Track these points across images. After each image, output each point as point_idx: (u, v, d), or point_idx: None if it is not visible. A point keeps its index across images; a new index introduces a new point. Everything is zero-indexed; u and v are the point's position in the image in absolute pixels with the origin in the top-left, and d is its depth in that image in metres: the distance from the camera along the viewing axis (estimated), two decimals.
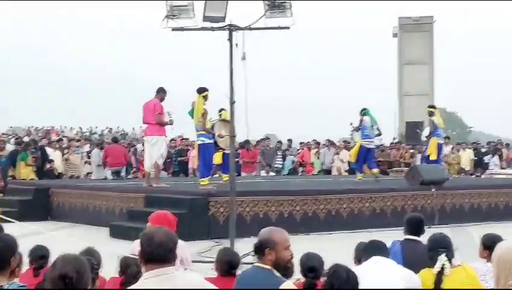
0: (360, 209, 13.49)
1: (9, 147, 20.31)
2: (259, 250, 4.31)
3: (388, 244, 5.42)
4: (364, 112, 16.54)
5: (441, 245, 5.07)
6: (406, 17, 43.97)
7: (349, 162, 23.21)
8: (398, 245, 5.96)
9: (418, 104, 34.79)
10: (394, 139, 31.25)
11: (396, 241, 6.07)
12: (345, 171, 22.41)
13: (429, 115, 17.31)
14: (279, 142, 26.01)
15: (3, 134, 34.31)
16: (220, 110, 14.74)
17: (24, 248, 5.44)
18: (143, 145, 20.93)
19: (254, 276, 4.28)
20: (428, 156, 16.92)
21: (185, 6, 11.81)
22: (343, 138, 26.15)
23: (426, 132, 17.43)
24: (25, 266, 5.33)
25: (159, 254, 3.44)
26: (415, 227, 6.10)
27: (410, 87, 42.19)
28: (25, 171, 18.68)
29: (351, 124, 16.88)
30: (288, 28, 11.34)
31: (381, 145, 25.62)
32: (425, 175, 14.42)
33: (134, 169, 20.76)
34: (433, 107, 17.72)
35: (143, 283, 3.44)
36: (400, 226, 6.52)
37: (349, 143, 25.35)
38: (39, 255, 5.58)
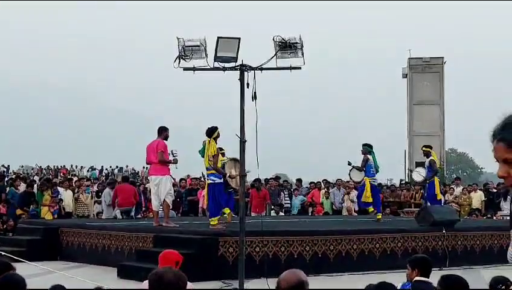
0: (371, 250, 13.38)
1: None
2: None
3: (398, 287, 5.37)
4: (369, 150, 16.64)
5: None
6: (415, 58, 44.23)
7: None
8: (409, 287, 5.90)
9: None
10: (402, 181, 31.14)
11: (406, 283, 6.01)
12: (355, 211, 22.28)
13: (425, 156, 17.26)
14: (286, 181, 25.94)
15: (14, 173, 34.52)
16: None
17: (34, 287, 5.43)
18: None
19: None
20: (436, 195, 16.88)
21: (197, 46, 11.93)
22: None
23: (422, 172, 17.32)
24: None
25: None
26: (425, 268, 6.04)
27: (420, 127, 42.20)
28: (43, 211, 18.87)
29: (350, 163, 16.82)
30: (299, 68, 11.42)
31: (392, 185, 25.53)
32: (436, 216, 14.33)
33: (144, 209, 20.73)
34: (429, 147, 17.70)
35: None
36: None
37: (360, 183, 25.25)
38: None
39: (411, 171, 17.95)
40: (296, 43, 11.77)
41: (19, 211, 18.72)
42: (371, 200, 16.75)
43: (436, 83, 42.88)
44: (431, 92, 42.52)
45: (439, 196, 17.01)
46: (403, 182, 29.44)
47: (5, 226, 18.02)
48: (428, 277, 6.00)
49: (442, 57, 43.92)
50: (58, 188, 21.08)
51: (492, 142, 2.54)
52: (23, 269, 6.63)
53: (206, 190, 13.90)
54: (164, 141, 13.63)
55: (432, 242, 14.01)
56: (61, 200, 20.20)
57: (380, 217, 16.60)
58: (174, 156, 13.71)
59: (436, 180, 16.99)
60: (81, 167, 44.10)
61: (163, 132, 13.74)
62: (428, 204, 16.46)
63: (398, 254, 13.56)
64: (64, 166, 43.41)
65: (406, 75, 44.09)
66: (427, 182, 17.04)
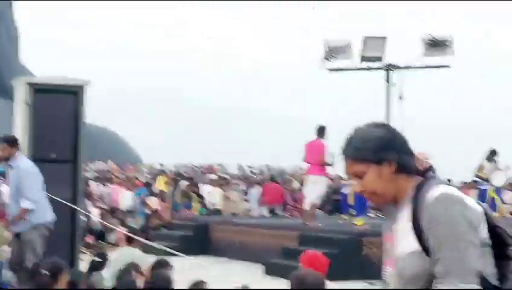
0: None
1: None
2: None
3: None
4: None
5: None
6: None
7: None
8: None
9: None
10: None
11: None
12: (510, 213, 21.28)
13: None
14: None
15: (169, 171, 36.05)
16: None
17: (185, 280, 5.74)
18: (300, 183, 21.16)
19: None
20: None
21: (343, 46, 11.94)
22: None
23: None
24: None
25: None
26: None
27: None
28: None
29: None
30: (448, 66, 11.16)
31: None
32: None
33: (290, 207, 21.01)
34: None
35: None
36: None
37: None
38: None
39: None
40: (445, 40, 11.49)
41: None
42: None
43: None
44: None
45: None
46: None
47: (160, 222, 18.92)
48: None
49: None
50: (208, 185, 21.92)
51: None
52: (176, 263, 7.02)
53: (351, 189, 13.86)
54: (324, 142, 13.58)
55: None
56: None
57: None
58: (332, 159, 13.75)
59: None
60: (217, 164, 45.14)
61: (322, 132, 13.69)
62: None
63: None
64: (219, 164, 44.81)
65: None
66: None
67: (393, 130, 2.53)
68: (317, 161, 13.47)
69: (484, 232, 2.36)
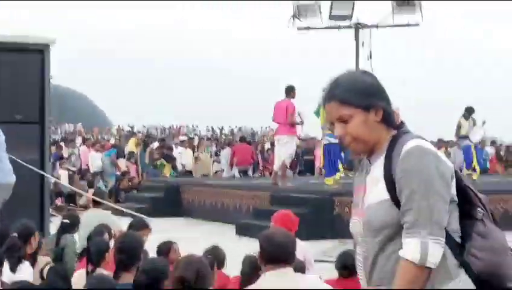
0: None
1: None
2: None
3: None
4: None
5: None
6: None
7: None
8: None
9: None
10: None
11: None
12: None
13: None
14: None
15: (139, 132, 35.83)
16: None
17: (156, 242, 5.71)
18: (271, 144, 21.24)
19: None
20: None
21: (311, 5, 11.81)
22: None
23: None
24: None
25: (279, 254, 3.49)
26: None
27: None
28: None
29: None
30: (417, 25, 11.10)
31: None
32: None
33: (261, 168, 21.06)
34: None
35: (262, 283, 3.51)
36: None
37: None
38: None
39: None
40: None
41: None
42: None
43: None
44: None
45: None
46: None
47: (130, 183, 18.85)
48: None
49: None
50: (180, 147, 21.82)
51: (324, 108, 2.51)
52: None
53: (322, 149, 13.93)
54: (293, 101, 13.53)
55: None
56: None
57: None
58: (301, 119, 13.75)
59: None
60: (197, 125, 44.96)
61: (291, 92, 13.61)
62: None
63: None
64: (192, 126, 44.55)
65: None
66: None
67: (378, 80, 2.51)
68: (285, 121, 13.47)
69: (453, 189, 2.37)
